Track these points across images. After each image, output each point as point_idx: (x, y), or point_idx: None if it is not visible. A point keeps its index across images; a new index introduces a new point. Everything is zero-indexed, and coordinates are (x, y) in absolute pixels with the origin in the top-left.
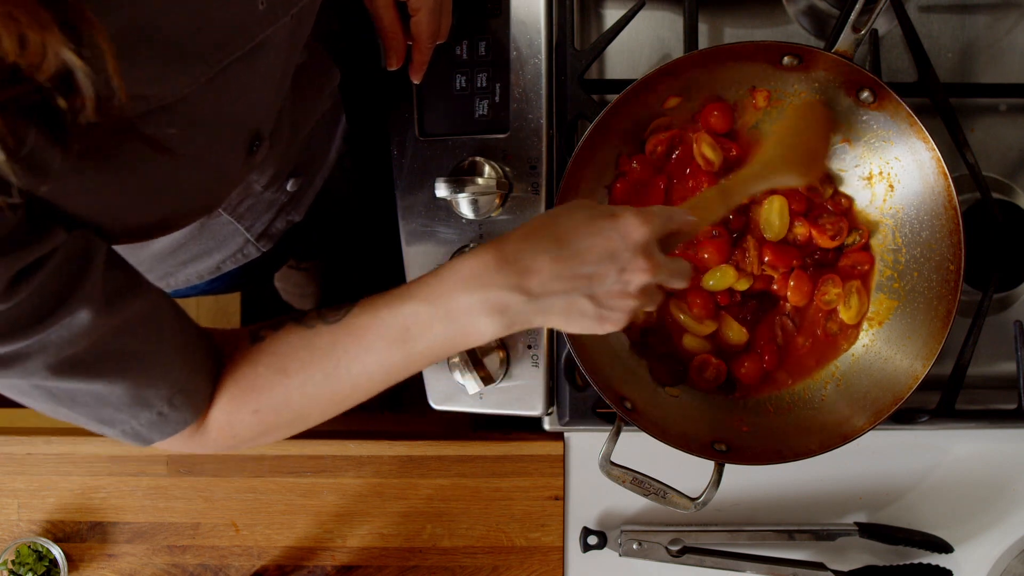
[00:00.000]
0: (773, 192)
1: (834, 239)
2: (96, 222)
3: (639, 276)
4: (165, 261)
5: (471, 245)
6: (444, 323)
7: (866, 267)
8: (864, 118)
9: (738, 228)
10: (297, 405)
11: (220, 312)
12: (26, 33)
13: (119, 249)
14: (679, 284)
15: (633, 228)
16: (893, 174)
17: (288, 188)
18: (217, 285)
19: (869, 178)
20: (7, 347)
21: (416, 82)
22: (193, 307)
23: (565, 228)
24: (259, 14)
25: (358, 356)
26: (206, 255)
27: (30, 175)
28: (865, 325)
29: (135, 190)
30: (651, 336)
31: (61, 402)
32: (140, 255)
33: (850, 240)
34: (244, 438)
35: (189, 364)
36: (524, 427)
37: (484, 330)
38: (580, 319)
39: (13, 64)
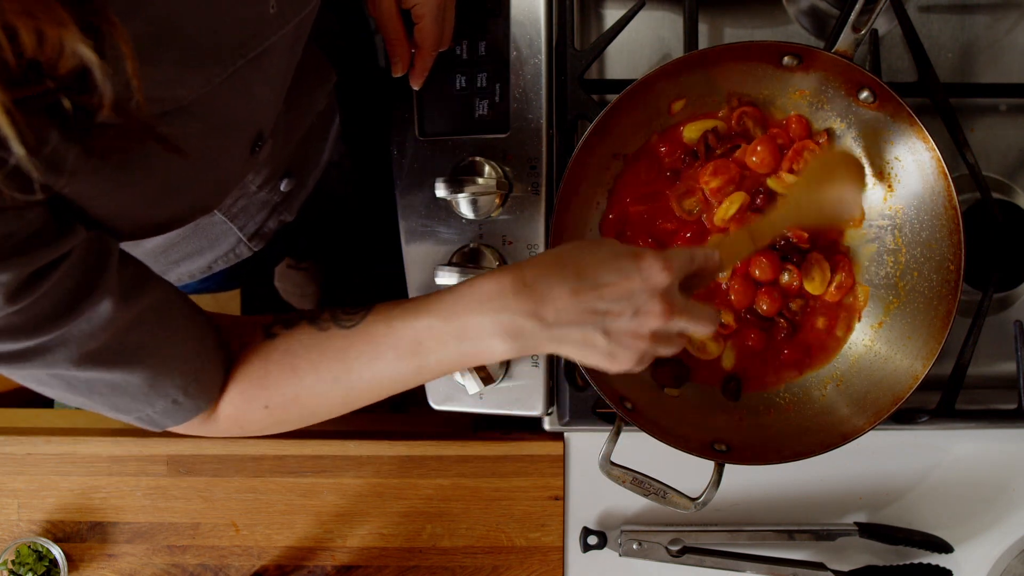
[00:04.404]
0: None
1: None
2: (109, 220)
3: (653, 320)
4: (157, 260)
5: (471, 245)
6: (457, 341)
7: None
8: (864, 118)
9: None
10: (306, 404)
11: (219, 311)
12: (44, 29)
13: None
14: (701, 331)
15: (655, 272)
16: (893, 174)
17: (282, 188)
18: (209, 285)
19: (869, 178)
20: (30, 341)
21: (416, 88)
22: None
23: (588, 262)
24: (270, 17)
25: (369, 363)
26: (198, 254)
27: (50, 172)
28: (866, 324)
29: (149, 190)
30: None
31: (78, 391)
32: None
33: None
34: (252, 430)
35: (202, 353)
36: (524, 427)
37: (496, 351)
38: (592, 352)
39: (32, 60)
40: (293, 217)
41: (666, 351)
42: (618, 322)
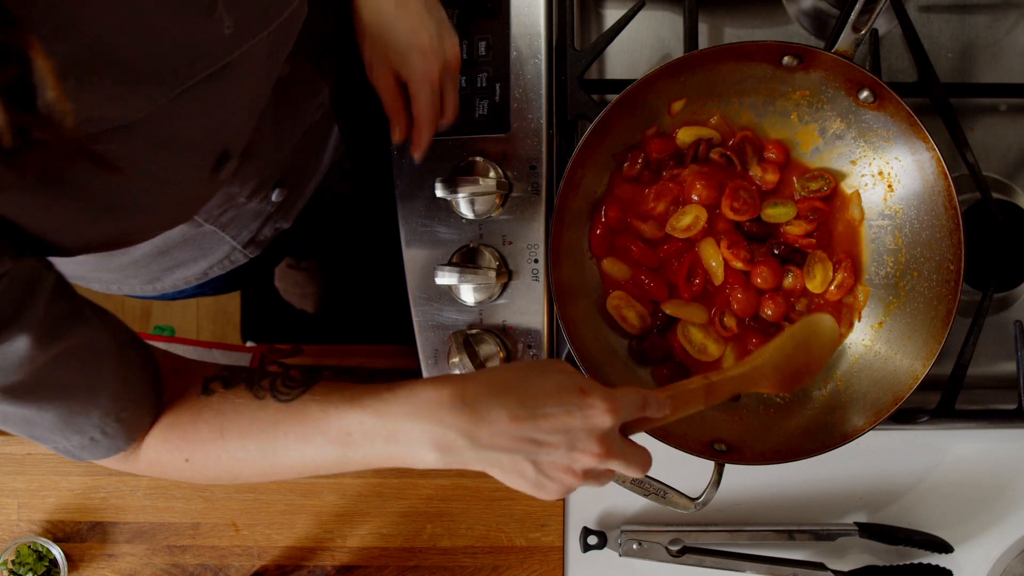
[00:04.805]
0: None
1: (737, 212)
2: (48, 236)
3: (587, 459)
4: (148, 267)
5: (471, 245)
6: (386, 442)
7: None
8: (864, 118)
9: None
10: (227, 467)
11: (220, 311)
12: None
13: (94, 257)
14: (631, 474)
15: (598, 413)
16: (893, 174)
17: (273, 199)
18: (207, 288)
19: (869, 178)
20: None
21: (416, 160)
22: (193, 307)
23: (532, 389)
24: (224, 37)
25: (296, 444)
26: (192, 262)
27: None
28: (866, 324)
29: (89, 207)
30: (645, 343)
31: None
32: (121, 260)
33: (816, 187)
34: (171, 476)
35: (125, 396)
36: None
37: (424, 459)
38: (518, 479)
39: None
40: (290, 224)
41: (594, 485)
42: (551, 455)
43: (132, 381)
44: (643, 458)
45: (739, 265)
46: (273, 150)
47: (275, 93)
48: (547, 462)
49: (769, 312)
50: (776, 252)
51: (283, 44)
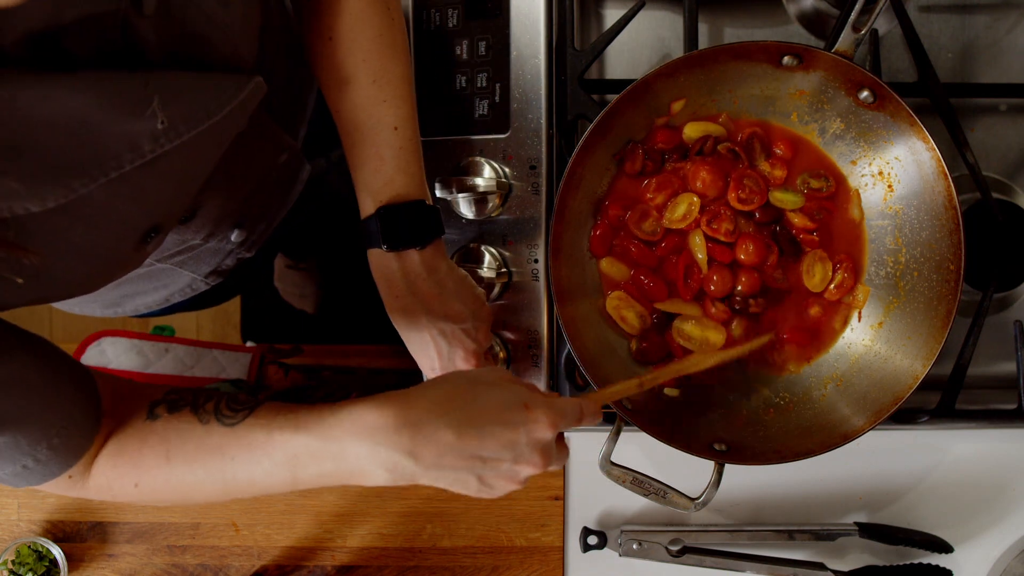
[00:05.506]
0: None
1: (743, 202)
2: None
3: (530, 469)
4: (106, 295)
5: (471, 245)
6: (334, 462)
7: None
8: (864, 118)
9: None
10: (178, 490)
11: (220, 311)
12: None
13: None
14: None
15: (540, 427)
16: (893, 174)
17: (233, 239)
18: (172, 311)
19: (869, 178)
20: None
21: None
22: None
23: (477, 408)
24: (156, 132)
25: (243, 466)
26: (151, 291)
27: None
28: (866, 324)
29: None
30: (644, 343)
31: None
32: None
33: (817, 185)
34: (124, 500)
35: (59, 422)
36: None
37: (372, 479)
38: (462, 489)
39: None
40: (253, 254)
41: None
42: (497, 469)
43: (64, 409)
44: (567, 454)
45: (721, 239)
46: (225, 199)
47: (230, 148)
48: (491, 476)
49: (743, 282)
50: (776, 231)
51: (233, 126)
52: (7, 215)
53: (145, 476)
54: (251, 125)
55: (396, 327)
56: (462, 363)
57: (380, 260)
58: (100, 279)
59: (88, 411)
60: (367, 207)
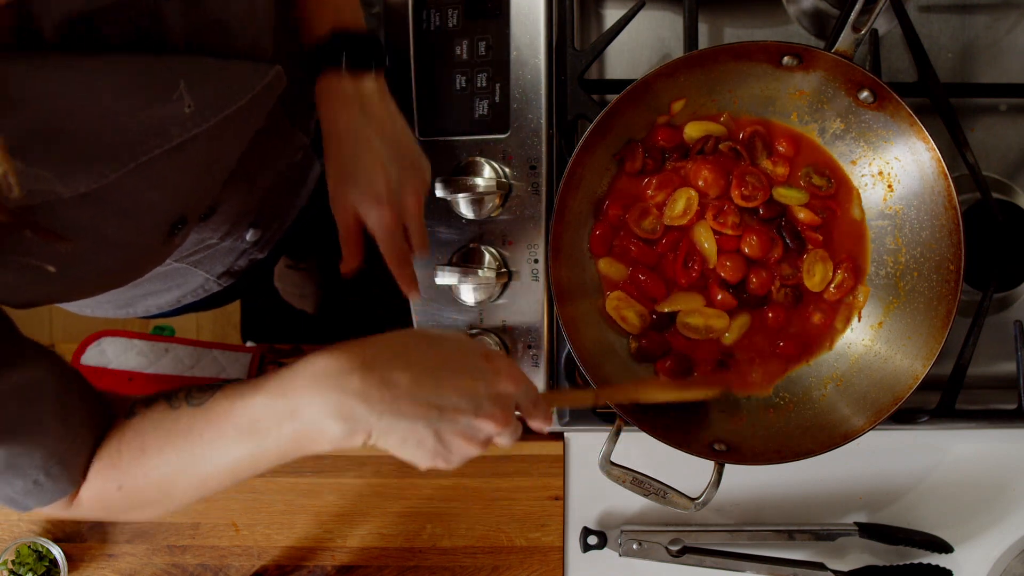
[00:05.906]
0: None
1: (747, 199)
2: None
3: (489, 427)
4: (121, 295)
5: (471, 245)
6: (291, 421)
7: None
8: (864, 118)
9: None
10: (156, 484)
11: (220, 311)
12: None
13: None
14: (507, 445)
15: (504, 380)
16: (893, 174)
17: (248, 238)
18: (182, 312)
19: (869, 178)
20: None
21: (408, 297)
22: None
23: (437, 352)
24: (184, 116)
25: (211, 443)
26: (165, 292)
27: None
28: (866, 324)
29: (30, 274)
30: (644, 341)
31: None
32: None
33: (819, 183)
34: (117, 512)
35: (69, 435)
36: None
37: (329, 433)
38: (415, 449)
39: None
40: (265, 255)
41: (480, 452)
42: (455, 423)
43: (72, 422)
44: (520, 431)
45: (728, 231)
46: (244, 197)
47: (249, 145)
48: (448, 431)
49: (755, 281)
50: (782, 224)
51: (254, 116)
52: (38, 201)
53: (126, 476)
54: (268, 122)
55: (341, 159)
56: (411, 199)
57: (335, 84)
58: (129, 273)
59: (92, 426)
60: (320, 28)
